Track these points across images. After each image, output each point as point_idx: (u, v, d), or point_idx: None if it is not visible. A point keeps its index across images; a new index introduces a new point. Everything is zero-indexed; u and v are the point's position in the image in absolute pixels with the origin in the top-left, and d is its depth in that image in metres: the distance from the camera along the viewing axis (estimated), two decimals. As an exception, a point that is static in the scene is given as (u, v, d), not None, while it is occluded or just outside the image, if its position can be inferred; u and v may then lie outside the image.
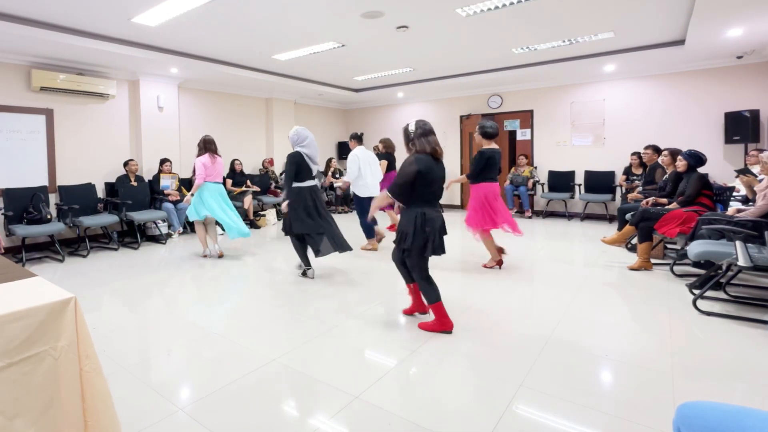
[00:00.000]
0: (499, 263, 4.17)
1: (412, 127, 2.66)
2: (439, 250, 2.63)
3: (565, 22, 4.68)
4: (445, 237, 2.68)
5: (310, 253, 3.99)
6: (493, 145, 3.98)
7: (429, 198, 2.61)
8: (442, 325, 2.66)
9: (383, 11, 4.21)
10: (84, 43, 4.67)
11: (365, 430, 1.75)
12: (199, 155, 4.64)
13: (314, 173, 3.92)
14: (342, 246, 3.87)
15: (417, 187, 2.55)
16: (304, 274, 3.98)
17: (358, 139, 5.15)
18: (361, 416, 1.83)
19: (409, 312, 2.97)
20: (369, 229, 5.02)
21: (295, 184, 3.82)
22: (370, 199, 4.83)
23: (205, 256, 4.83)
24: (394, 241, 2.77)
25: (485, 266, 4.20)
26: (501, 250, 4.17)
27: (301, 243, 3.95)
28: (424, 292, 2.68)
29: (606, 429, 1.73)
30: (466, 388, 2.06)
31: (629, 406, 1.87)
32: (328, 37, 5.11)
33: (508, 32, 5.01)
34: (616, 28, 4.87)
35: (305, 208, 3.80)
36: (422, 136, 2.62)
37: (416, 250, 2.59)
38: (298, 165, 3.78)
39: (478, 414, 1.83)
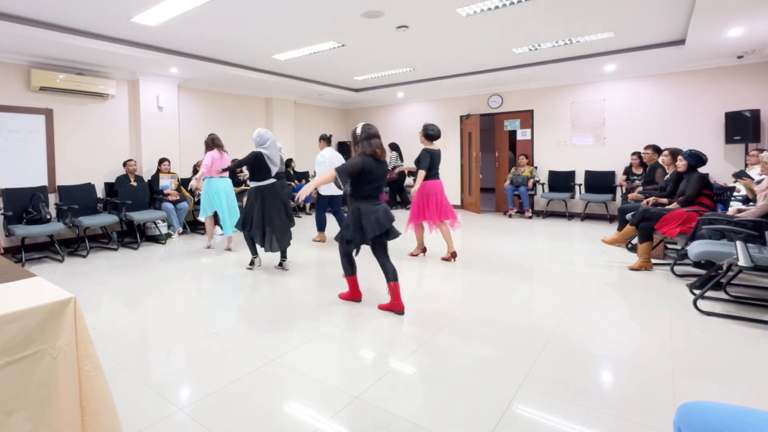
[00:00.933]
0: (424, 250, 4.69)
1: (358, 131, 2.99)
2: (387, 235, 3.00)
3: (566, 22, 4.67)
4: (394, 223, 3.05)
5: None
6: (435, 146, 4.41)
7: (368, 194, 2.96)
8: (353, 295, 3.25)
9: (383, 11, 4.20)
10: (83, 43, 4.67)
11: (365, 430, 1.74)
12: (207, 151, 5.04)
13: (273, 173, 4.17)
14: (272, 247, 4.10)
15: (359, 183, 2.90)
16: (251, 263, 4.29)
17: (327, 140, 5.51)
18: (362, 416, 1.83)
19: (344, 297, 3.30)
20: (321, 223, 5.55)
21: (254, 184, 4.12)
22: (331, 197, 5.42)
23: (208, 247, 5.23)
24: (337, 238, 3.14)
25: (411, 254, 4.65)
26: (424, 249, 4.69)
27: (251, 236, 4.22)
28: (342, 263, 3.18)
29: (606, 429, 1.72)
30: (467, 388, 2.06)
31: (629, 406, 1.87)
32: (328, 37, 5.10)
33: (508, 32, 5.01)
34: (617, 27, 4.87)
35: (259, 205, 4.06)
36: (366, 139, 2.95)
37: (356, 239, 2.97)
38: (259, 164, 4.05)
39: (478, 414, 1.83)
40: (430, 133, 4.36)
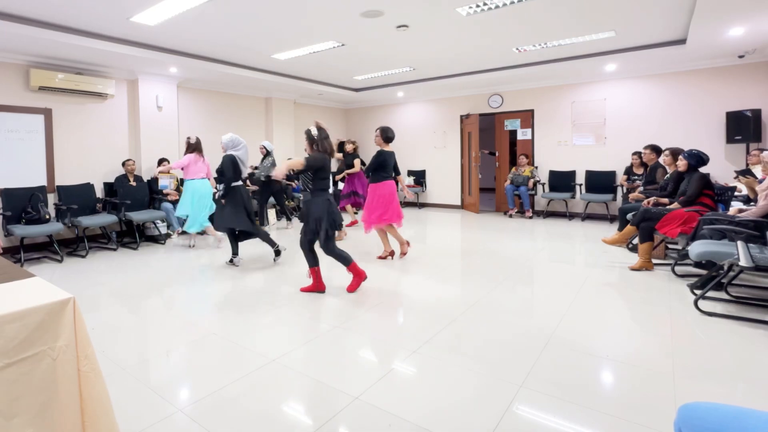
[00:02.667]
0: (392, 254, 4.62)
1: (314, 132, 3.38)
2: (340, 226, 3.44)
3: (566, 21, 4.66)
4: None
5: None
6: (389, 148, 4.51)
7: (326, 187, 3.37)
8: (318, 287, 3.48)
9: (383, 10, 4.19)
10: (82, 43, 4.66)
11: (365, 431, 1.74)
12: (189, 152, 5.19)
13: (244, 174, 4.50)
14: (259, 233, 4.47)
15: (319, 177, 3.30)
16: (231, 261, 4.45)
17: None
18: (361, 417, 1.82)
19: (308, 290, 3.50)
20: None
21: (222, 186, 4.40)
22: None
23: (191, 246, 5.43)
24: (303, 231, 3.38)
25: (380, 258, 4.61)
26: (406, 242, 4.72)
27: (234, 235, 4.44)
28: (339, 258, 3.42)
29: (607, 430, 1.71)
30: (467, 388, 2.05)
31: (630, 406, 1.86)
32: (327, 37, 5.09)
33: (508, 31, 4.99)
34: (617, 27, 4.86)
35: (243, 203, 4.34)
36: (324, 139, 3.38)
37: (331, 229, 3.32)
38: (234, 166, 4.33)
39: (478, 415, 1.82)
40: (390, 136, 4.51)
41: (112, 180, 5.88)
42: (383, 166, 4.43)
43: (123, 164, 5.90)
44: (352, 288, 3.47)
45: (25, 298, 1.27)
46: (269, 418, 1.83)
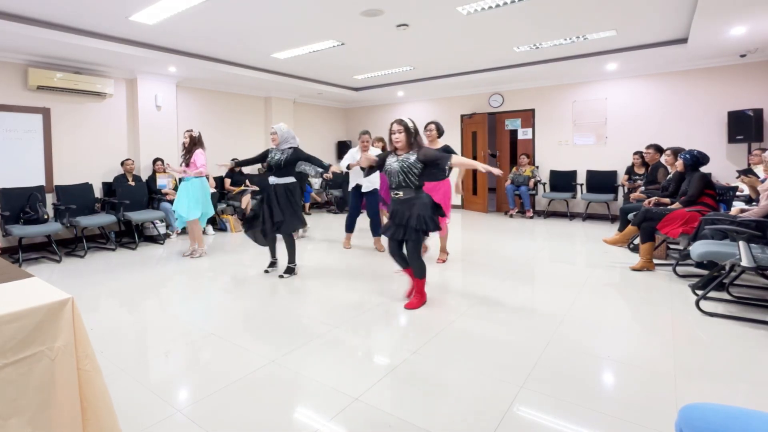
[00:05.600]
0: (425, 249, 4.40)
1: (411, 124, 3.01)
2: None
3: (567, 21, 4.64)
4: None
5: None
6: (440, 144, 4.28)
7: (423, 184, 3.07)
8: (423, 297, 3.14)
9: (383, 9, 4.17)
10: (81, 42, 4.64)
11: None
12: (198, 148, 4.72)
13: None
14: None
15: (428, 172, 2.95)
16: (283, 271, 4.01)
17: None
18: (361, 418, 1.81)
19: (414, 305, 3.10)
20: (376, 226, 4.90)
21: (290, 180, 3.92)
22: (367, 192, 4.88)
23: (200, 256, 4.84)
24: (394, 232, 3.01)
25: (440, 261, 4.38)
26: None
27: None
28: (420, 268, 3.07)
29: (608, 431, 1.70)
30: (467, 389, 2.03)
31: (631, 407, 1.85)
32: (327, 36, 5.07)
33: (509, 30, 4.98)
34: (618, 26, 4.84)
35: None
36: (417, 134, 3.05)
37: (433, 231, 3.04)
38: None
39: (479, 415, 1.81)
40: (443, 130, 4.35)
41: (110, 180, 5.86)
42: None
43: (122, 164, 5.89)
44: (415, 306, 3.08)
45: (23, 298, 1.27)
46: (269, 418, 1.82)
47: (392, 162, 3.01)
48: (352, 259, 4.59)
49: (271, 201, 3.82)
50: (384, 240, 4.76)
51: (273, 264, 4.13)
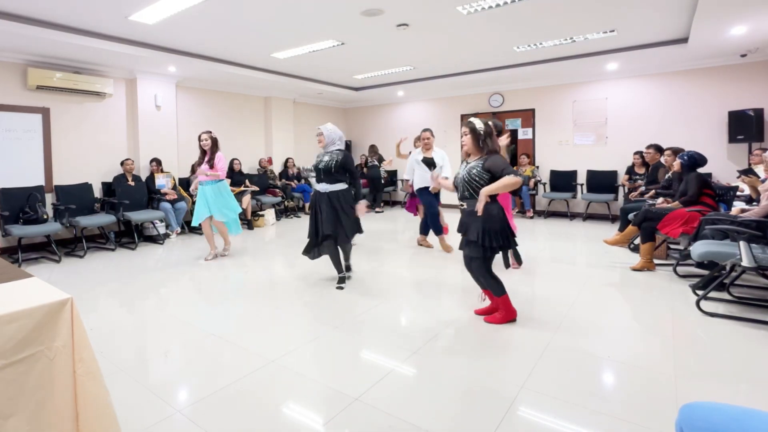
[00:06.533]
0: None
1: (480, 125, 2.67)
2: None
3: (567, 20, 4.64)
4: None
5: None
6: None
7: None
8: (511, 312, 2.80)
9: (383, 9, 4.17)
10: (81, 41, 4.63)
11: (365, 434, 1.72)
12: (217, 151, 4.57)
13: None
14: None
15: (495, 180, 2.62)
16: (342, 280, 3.66)
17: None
18: (361, 418, 1.80)
19: (501, 320, 2.82)
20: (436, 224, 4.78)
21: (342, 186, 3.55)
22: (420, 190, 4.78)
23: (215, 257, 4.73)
24: (471, 250, 2.69)
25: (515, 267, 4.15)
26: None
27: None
28: (495, 285, 2.75)
29: (608, 431, 1.70)
30: (468, 389, 2.03)
31: (632, 407, 1.85)
32: (327, 35, 5.07)
33: (509, 30, 4.97)
34: (619, 26, 4.83)
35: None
36: (490, 136, 2.68)
37: (507, 246, 2.68)
38: None
39: (479, 416, 1.80)
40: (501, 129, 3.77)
41: (110, 180, 5.85)
42: None
43: (121, 164, 5.88)
44: (498, 321, 2.79)
45: (22, 298, 1.27)
46: (268, 419, 1.82)
47: (461, 170, 2.78)
48: (353, 261, 4.57)
49: (323, 212, 3.46)
50: (452, 239, 4.61)
51: (342, 279, 3.62)
